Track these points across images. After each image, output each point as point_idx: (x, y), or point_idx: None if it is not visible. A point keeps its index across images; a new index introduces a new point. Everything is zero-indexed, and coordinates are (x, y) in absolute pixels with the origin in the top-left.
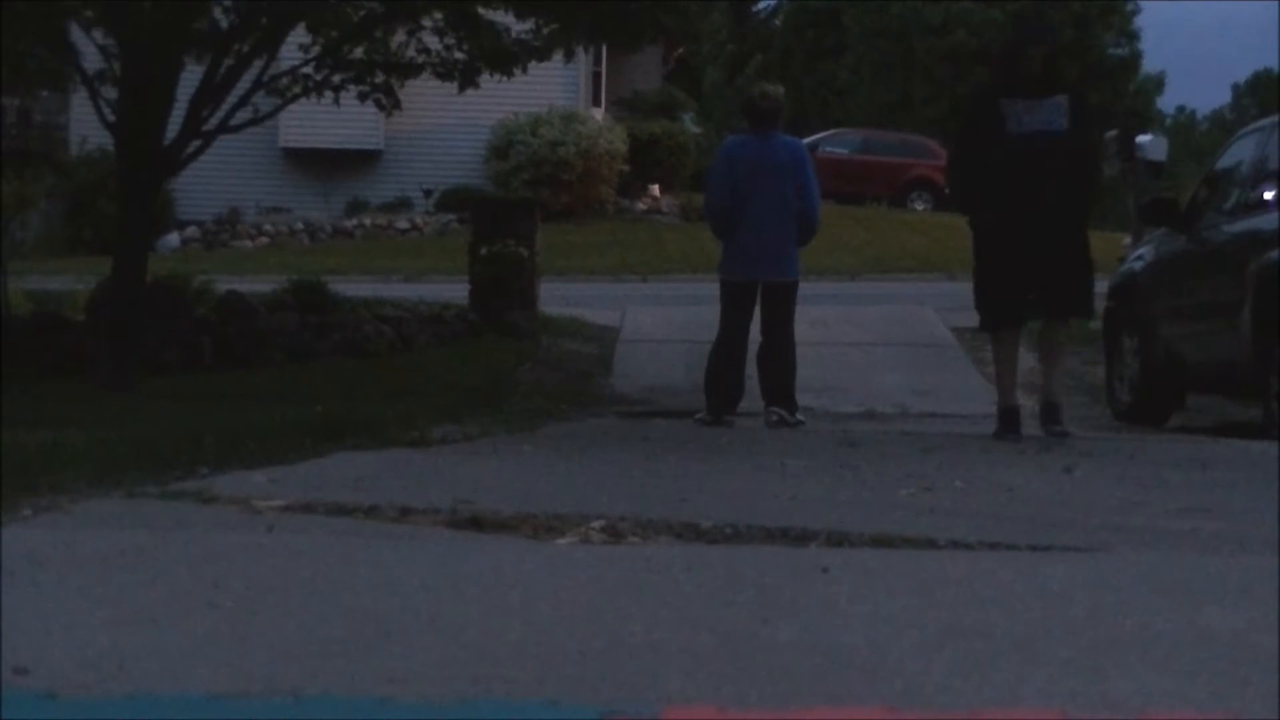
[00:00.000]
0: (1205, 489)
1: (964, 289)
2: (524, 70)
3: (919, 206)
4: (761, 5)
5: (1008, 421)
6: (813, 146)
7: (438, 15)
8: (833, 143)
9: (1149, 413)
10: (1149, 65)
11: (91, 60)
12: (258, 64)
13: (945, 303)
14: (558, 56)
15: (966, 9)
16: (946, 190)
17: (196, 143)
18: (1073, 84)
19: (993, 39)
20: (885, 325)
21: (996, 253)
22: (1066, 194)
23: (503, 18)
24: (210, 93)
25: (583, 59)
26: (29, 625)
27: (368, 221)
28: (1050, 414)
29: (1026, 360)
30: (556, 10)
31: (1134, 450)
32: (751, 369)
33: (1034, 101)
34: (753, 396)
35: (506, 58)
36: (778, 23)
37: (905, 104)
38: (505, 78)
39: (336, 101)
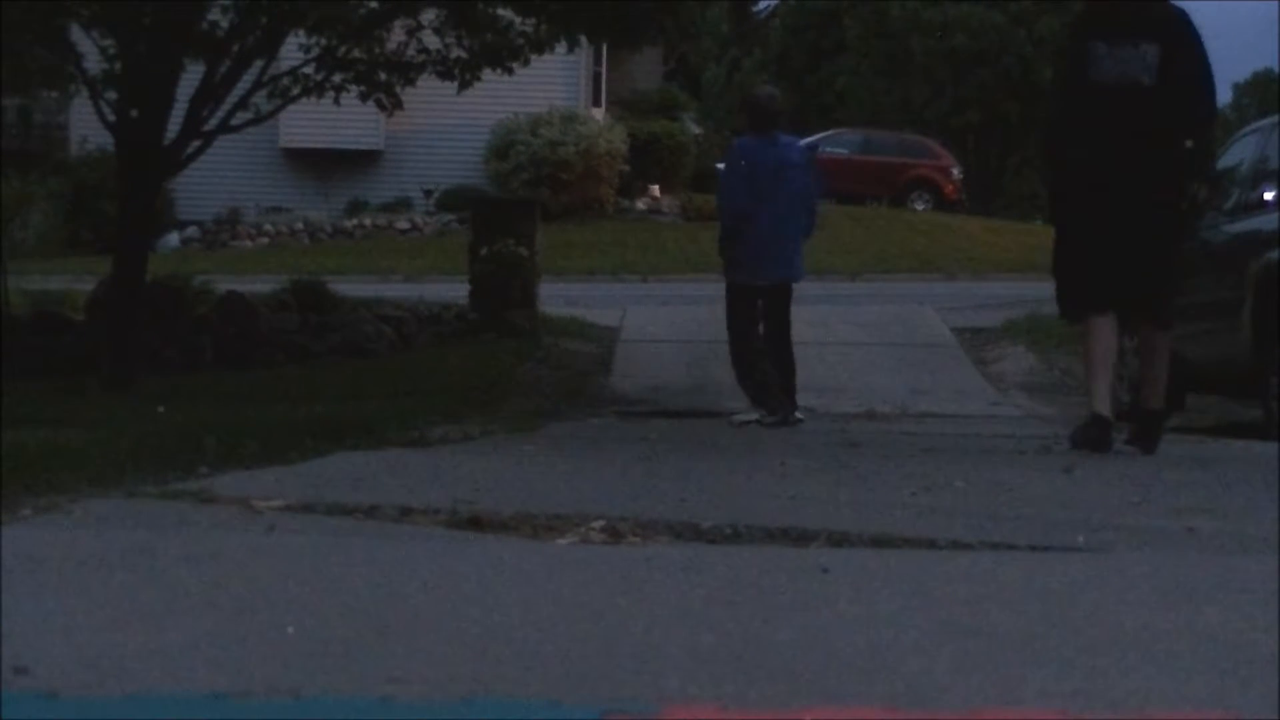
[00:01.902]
0: (1205, 489)
1: (963, 289)
2: (525, 63)
3: (919, 206)
4: (761, 5)
5: (1094, 432)
6: (812, 146)
7: (436, 13)
8: (833, 143)
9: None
10: None
11: (91, 60)
12: (258, 64)
13: (945, 303)
14: (557, 56)
15: (967, 11)
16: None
17: (196, 143)
18: (1177, 25)
19: (992, 41)
20: (885, 325)
21: (1074, 224)
22: (1151, 166)
23: (503, 14)
24: (210, 93)
25: (583, 59)
26: (29, 625)
27: (368, 221)
28: (1152, 422)
29: (1026, 359)
30: (556, 9)
31: (1134, 450)
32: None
33: (1120, 46)
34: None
35: (508, 52)
36: (777, 22)
37: (905, 105)
38: (506, 74)
39: (337, 101)
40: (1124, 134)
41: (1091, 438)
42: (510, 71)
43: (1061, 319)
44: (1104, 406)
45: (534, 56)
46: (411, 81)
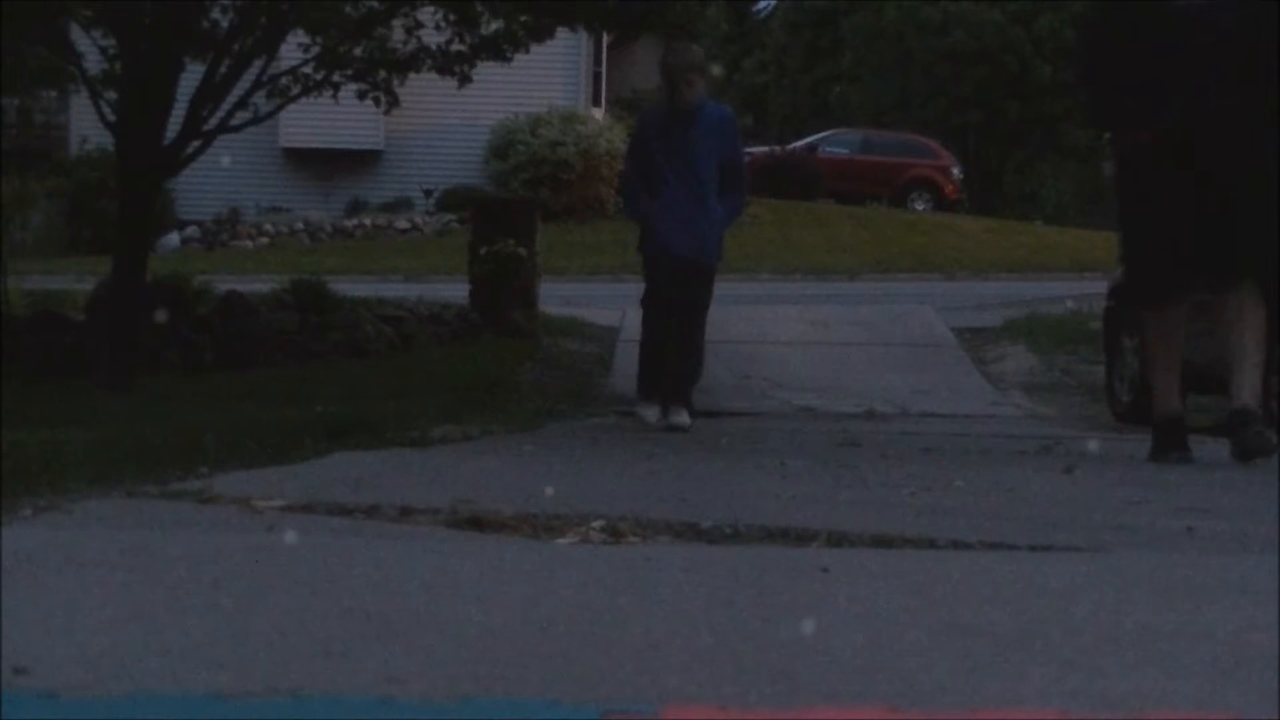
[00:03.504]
0: (1205, 489)
1: (963, 289)
2: (526, 50)
3: (919, 206)
4: (761, 5)
5: (1168, 434)
6: (812, 146)
7: (435, 10)
8: (833, 143)
9: (1149, 413)
10: None
11: (92, 60)
12: (258, 64)
13: (945, 303)
14: (558, 57)
15: (965, 9)
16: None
17: (196, 143)
18: None
19: (991, 39)
20: (885, 325)
21: (1150, 189)
22: (1258, 96)
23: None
24: (210, 93)
25: (583, 59)
26: (29, 625)
27: (368, 221)
28: (1240, 422)
29: (1026, 359)
30: (557, 6)
31: (1134, 450)
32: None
33: None
34: (751, 396)
35: (508, 39)
36: (775, 21)
37: (904, 104)
38: (505, 64)
39: (335, 98)
40: (1219, 64)
41: (1168, 441)
42: (508, 60)
43: (1133, 304)
44: (1170, 402)
45: (535, 49)
46: (411, 71)
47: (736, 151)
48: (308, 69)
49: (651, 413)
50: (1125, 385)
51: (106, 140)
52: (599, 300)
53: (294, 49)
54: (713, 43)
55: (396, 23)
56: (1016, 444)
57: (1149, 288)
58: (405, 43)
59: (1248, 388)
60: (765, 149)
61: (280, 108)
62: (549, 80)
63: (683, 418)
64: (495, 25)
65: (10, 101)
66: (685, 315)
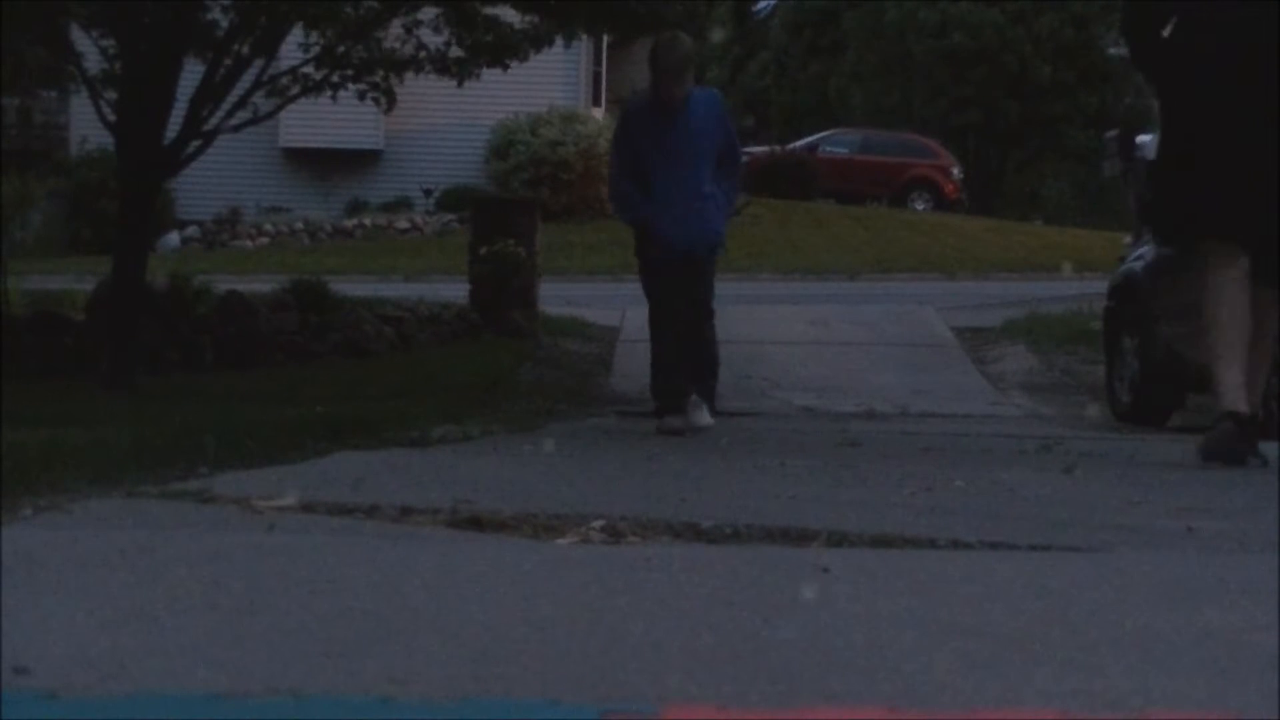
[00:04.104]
0: (1205, 489)
1: (963, 289)
2: (524, 59)
3: (919, 206)
4: (761, 6)
5: (1226, 437)
6: (812, 146)
7: (435, 11)
8: (832, 142)
9: (1149, 413)
10: None
11: (91, 60)
12: (258, 64)
13: (945, 303)
14: (557, 56)
15: (963, 10)
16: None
17: (196, 143)
18: None
19: (990, 40)
20: (885, 325)
21: (1188, 126)
22: (1258, 96)
23: (503, 14)
24: (210, 93)
25: (583, 59)
26: (29, 625)
27: (368, 221)
28: (1225, 425)
29: (1026, 359)
30: (556, 6)
31: (1134, 450)
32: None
33: None
34: (751, 396)
35: (506, 48)
36: (776, 21)
37: (905, 105)
38: (503, 70)
39: (334, 98)
40: (1252, 57)
41: (1222, 445)
42: (506, 68)
43: (1169, 243)
44: (1233, 398)
45: (534, 53)
46: (409, 71)
47: (729, 130)
48: (308, 69)
49: (680, 420)
50: (1125, 385)
51: (106, 140)
52: (599, 300)
53: (294, 49)
54: (715, 44)
55: (396, 21)
56: (1016, 444)
57: (1178, 227)
58: (404, 42)
59: (1252, 393)
60: (765, 149)
61: (280, 108)
62: (549, 80)
63: (687, 419)
64: (494, 31)
65: (10, 101)
66: (694, 310)
